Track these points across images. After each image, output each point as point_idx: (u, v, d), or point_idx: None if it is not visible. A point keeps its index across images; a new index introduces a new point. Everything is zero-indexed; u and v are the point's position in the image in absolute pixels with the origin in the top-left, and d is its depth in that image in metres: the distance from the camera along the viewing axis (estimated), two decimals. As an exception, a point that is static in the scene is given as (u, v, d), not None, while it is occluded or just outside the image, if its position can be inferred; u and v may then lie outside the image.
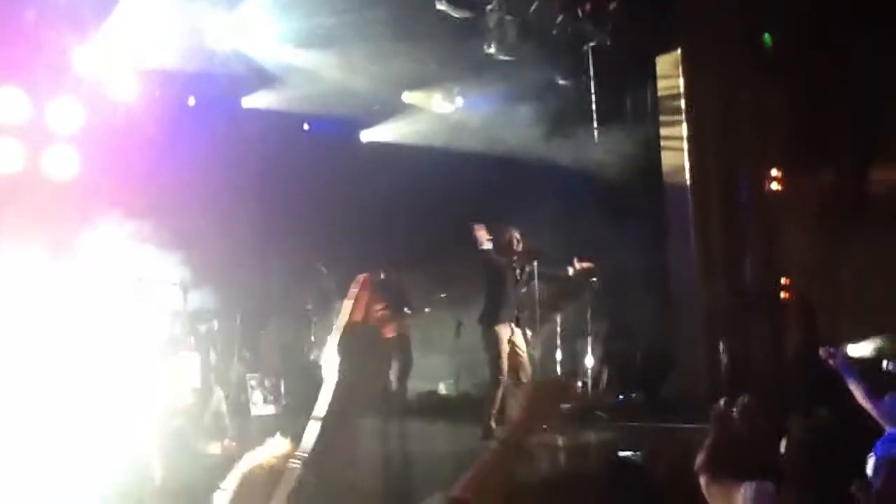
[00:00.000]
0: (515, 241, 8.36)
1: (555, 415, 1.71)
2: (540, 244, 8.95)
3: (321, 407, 1.60)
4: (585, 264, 8.39)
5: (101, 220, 6.11)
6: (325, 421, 1.58)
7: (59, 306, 5.69)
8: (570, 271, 8.40)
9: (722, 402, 2.98)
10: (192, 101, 10.16)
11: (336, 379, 1.61)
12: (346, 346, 1.64)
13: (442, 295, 10.49)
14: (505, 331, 8.03)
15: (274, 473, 1.85)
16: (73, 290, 5.80)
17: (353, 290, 1.71)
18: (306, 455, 1.57)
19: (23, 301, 5.52)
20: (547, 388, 1.74)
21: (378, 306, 1.70)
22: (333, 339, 1.67)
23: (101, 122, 6.87)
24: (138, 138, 7.74)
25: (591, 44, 10.01)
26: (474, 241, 8.26)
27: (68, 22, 6.58)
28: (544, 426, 1.78)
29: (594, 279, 10.04)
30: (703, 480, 2.80)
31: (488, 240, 8.28)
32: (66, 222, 5.77)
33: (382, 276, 10.65)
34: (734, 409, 2.98)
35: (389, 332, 1.71)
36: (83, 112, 6.02)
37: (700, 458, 2.88)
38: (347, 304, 1.71)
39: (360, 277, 1.72)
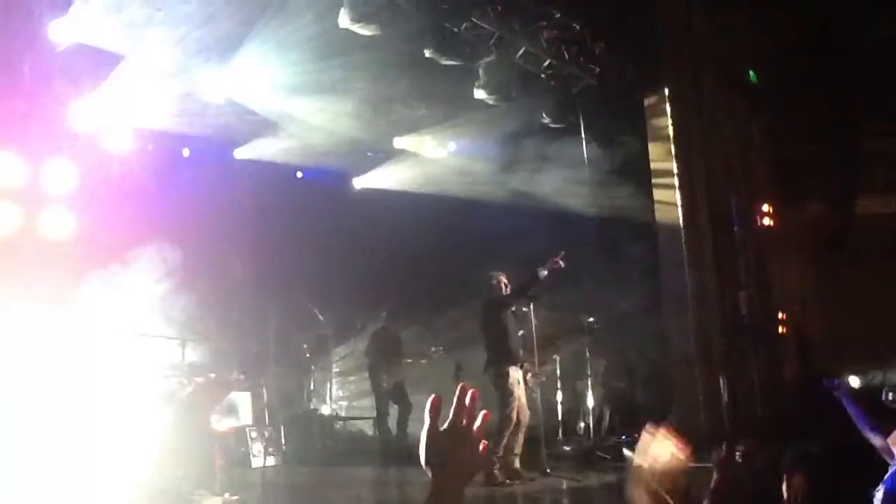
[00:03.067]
0: (504, 287, 8.39)
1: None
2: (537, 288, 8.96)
3: None
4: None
5: (99, 276, 6.13)
6: None
7: (59, 363, 5.68)
8: (544, 273, 8.21)
9: (724, 446, 2.99)
10: (186, 153, 10.25)
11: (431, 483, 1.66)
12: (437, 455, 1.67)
13: (440, 348, 10.48)
14: (515, 373, 8.01)
15: None
16: (72, 346, 5.79)
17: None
18: None
19: (22, 359, 5.52)
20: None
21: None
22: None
23: (97, 177, 6.94)
24: (134, 191, 7.80)
25: (580, 86, 10.14)
26: (495, 289, 8.28)
27: (62, 79, 6.67)
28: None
29: (591, 319, 10.06)
30: None
31: (505, 284, 8.31)
32: (64, 280, 5.81)
33: (382, 325, 10.67)
34: (735, 453, 2.99)
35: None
36: (78, 170, 6.10)
37: (705, 501, 2.88)
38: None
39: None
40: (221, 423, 7.59)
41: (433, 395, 1.69)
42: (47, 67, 6.31)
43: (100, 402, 5.93)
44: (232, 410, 8.00)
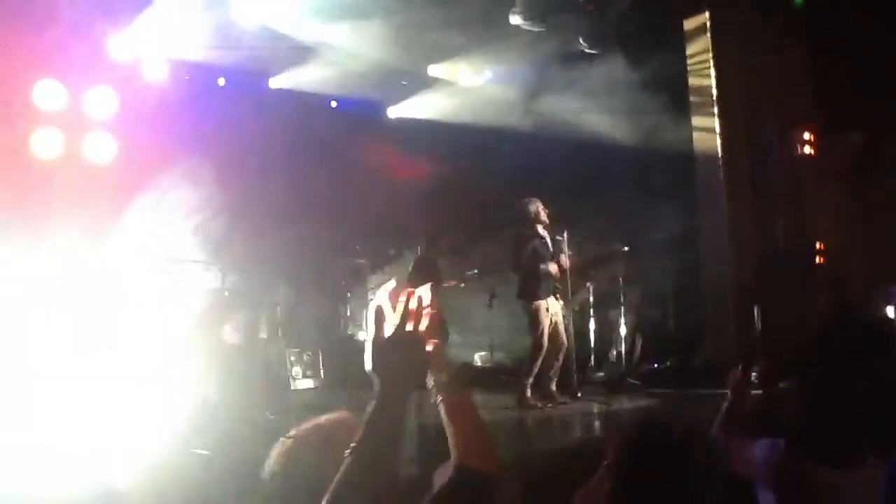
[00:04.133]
0: (542, 212, 8.40)
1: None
2: (571, 215, 8.98)
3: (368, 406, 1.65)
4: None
5: (139, 202, 6.29)
6: (370, 417, 1.62)
7: (100, 288, 5.88)
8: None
9: (739, 367, 3.07)
10: (221, 82, 10.32)
11: (377, 388, 1.65)
12: (382, 361, 1.66)
13: (475, 271, 10.56)
14: (545, 303, 8.11)
15: (329, 441, 1.90)
16: (113, 271, 5.98)
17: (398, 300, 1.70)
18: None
19: (64, 282, 5.72)
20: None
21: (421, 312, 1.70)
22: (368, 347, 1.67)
23: (135, 105, 7.06)
24: (170, 119, 7.90)
25: (617, 10, 9.91)
26: (528, 216, 8.30)
27: (101, 8, 6.74)
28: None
29: (625, 248, 10.07)
30: (720, 441, 2.90)
31: (542, 210, 8.33)
32: (105, 204, 5.98)
33: (419, 252, 10.80)
34: (751, 374, 3.07)
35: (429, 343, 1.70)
36: (117, 98, 6.23)
37: (717, 420, 2.98)
38: (385, 310, 1.70)
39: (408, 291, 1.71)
40: (233, 337, 7.86)
41: (376, 304, 1.70)
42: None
43: (136, 326, 6.13)
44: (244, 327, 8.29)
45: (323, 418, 2.13)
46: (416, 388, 1.70)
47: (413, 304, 1.70)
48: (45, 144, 5.80)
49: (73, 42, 6.06)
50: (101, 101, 6.05)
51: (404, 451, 1.66)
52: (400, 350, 1.66)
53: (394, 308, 1.70)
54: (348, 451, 1.59)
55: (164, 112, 7.89)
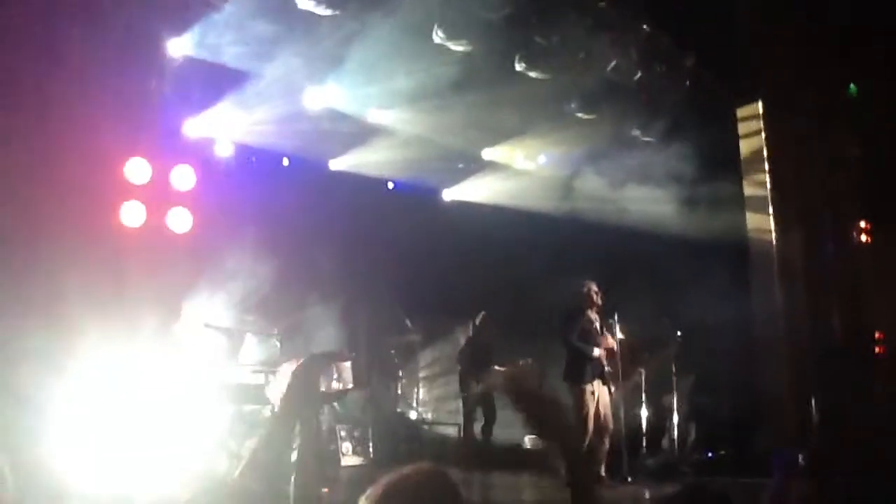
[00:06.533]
0: (595, 295, 8.45)
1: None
2: (623, 301, 9.00)
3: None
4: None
5: (208, 273, 6.62)
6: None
7: (168, 354, 6.16)
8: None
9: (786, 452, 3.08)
10: (286, 162, 10.75)
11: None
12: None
13: (528, 360, 10.58)
14: (590, 387, 8.10)
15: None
16: (179, 340, 6.24)
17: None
18: None
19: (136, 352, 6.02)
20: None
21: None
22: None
23: (209, 182, 7.51)
24: (238, 195, 8.37)
25: (671, 100, 10.10)
26: (582, 298, 8.38)
27: (183, 92, 7.25)
28: None
29: (679, 333, 10.00)
30: None
31: (596, 293, 8.41)
32: (181, 270, 6.38)
33: (471, 332, 10.89)
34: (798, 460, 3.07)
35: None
36: (195, 175, 6.70)
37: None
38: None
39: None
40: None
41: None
42: (168, 81, 6.90)
43: (195, 394, 6.36)
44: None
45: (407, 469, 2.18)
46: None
47: None
48: (131, 214, 6.34)
49: (158, 122, 6.60)
50: (181, 178, 6.57)
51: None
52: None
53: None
54: None
55: (233, 188, 8.34)
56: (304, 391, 2.29)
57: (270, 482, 1.93)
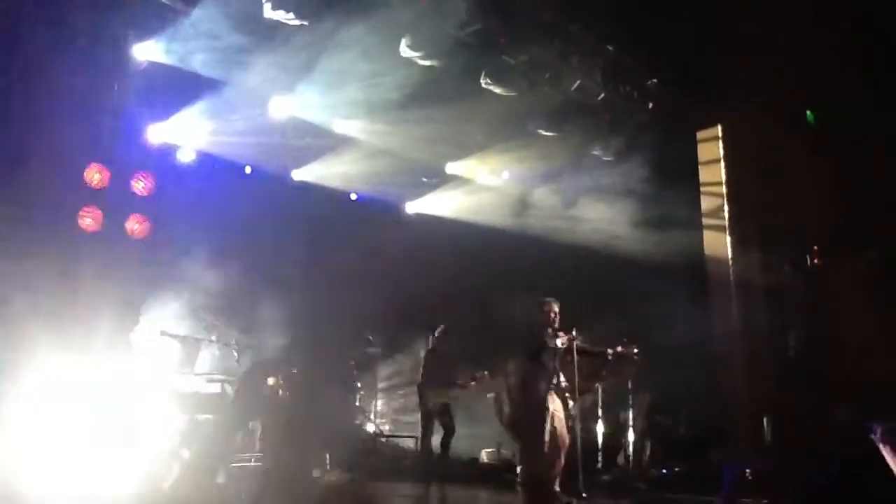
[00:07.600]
0: (554, 315, 8.50)
1: None
2: (580, 318, 9.06)
3: None
4: (625, 349, 8.44)
5: (165, 276, 6.56)
6: None
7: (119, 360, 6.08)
8: (610, 352, 8.45)
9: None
10: (248, 170, 10.68)
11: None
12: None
13: (485, 373, 10.61)
14: (549, 403, 8.10)
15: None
16: (135, 347, 6.17)
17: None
18: None
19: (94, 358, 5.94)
20: None
21: None
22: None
23: (169, 188, 7.45)
24: (199, 201, 8.29)
25: (634, 120, 10.26)
26: (540, 314, 8.38)
27: (144, 97, 7.19)
28: None
29: (636, 351, 10.09)
30: None
31: (555, 314, 8.41)
32: (133, 277, 6.32)
33: (430, 345, 10.87)
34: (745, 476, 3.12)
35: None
36: (154, 181, 6.64)
37: None
38: None
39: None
40: None
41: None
42: (132, 87, 6.85)
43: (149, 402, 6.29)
44: None
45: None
46: None
47: None
48: (90, 220, 6.27)
49: (119, 128, 6.55)
50: (141, 184, 6.52)
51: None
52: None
53: None
54: None
55: (194, 194, 8.27)
56: (245, 397, 2.30)
57: (207, 489, 1.91)
